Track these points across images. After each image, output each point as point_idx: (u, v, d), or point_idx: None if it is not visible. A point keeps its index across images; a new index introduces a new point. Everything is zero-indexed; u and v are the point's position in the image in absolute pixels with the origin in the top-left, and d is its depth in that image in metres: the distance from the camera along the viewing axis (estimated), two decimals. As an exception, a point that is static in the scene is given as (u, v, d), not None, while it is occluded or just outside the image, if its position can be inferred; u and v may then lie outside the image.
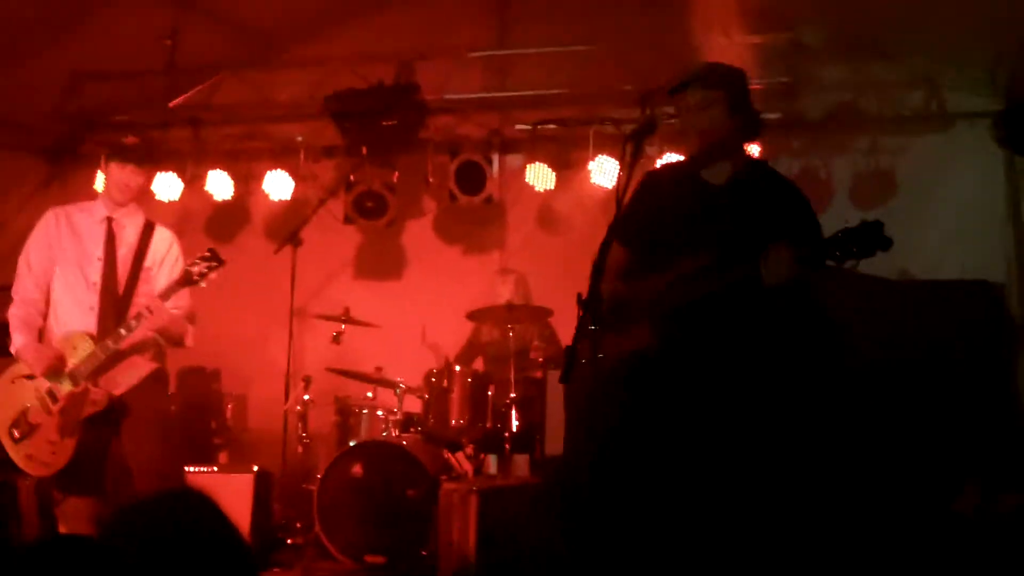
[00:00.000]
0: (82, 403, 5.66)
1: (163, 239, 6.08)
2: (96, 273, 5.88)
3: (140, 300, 5.82)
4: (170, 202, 9.27)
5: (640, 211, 4.78)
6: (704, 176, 4.70)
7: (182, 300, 5.92)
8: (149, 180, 6.33)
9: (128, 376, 5.85)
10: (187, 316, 6.03)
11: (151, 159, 6.22)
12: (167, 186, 9.16)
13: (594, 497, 4.67)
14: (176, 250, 6.12)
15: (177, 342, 6.04)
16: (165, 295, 5.70)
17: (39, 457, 5.69)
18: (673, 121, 4.76)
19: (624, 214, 4.80)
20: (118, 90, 8.87)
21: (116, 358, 5.76)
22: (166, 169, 9.11)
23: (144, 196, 6.34)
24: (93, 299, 5.85)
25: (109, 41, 8.12)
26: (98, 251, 5.93)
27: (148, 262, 5.98)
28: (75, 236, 5.96)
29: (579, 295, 4.73)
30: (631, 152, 4.49)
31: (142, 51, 8.11)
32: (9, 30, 7.10)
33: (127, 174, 5.94)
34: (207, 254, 5.76)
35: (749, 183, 4.69)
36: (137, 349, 5.87)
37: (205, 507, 2.85)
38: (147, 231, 6.05)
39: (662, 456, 4.47)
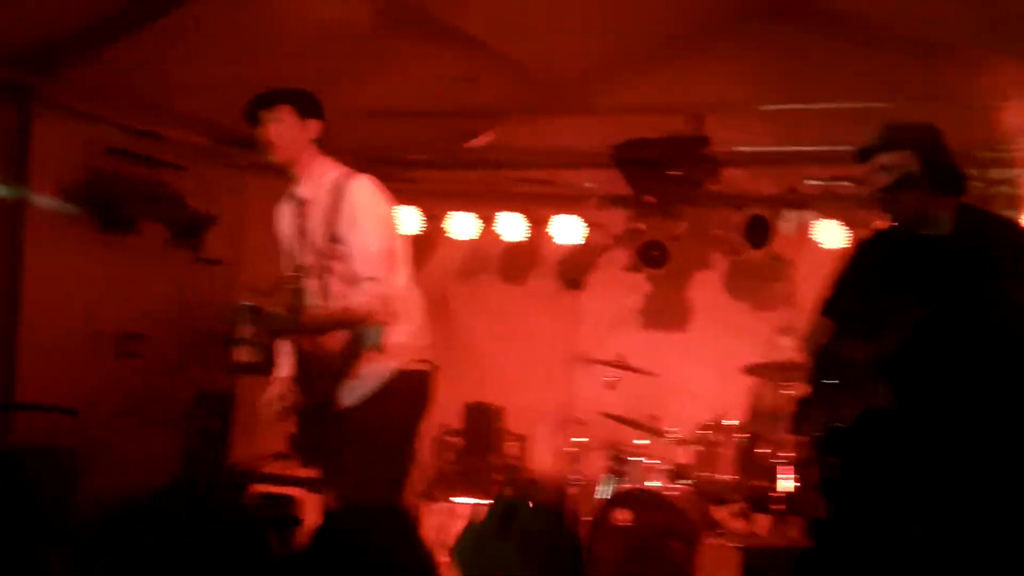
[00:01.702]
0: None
1: (346, 203, 5.07)
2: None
3: (331, 281, 5.09)
4: (464, 241, 9.61)
5: (856, 281, 4.69)
6: (924, 231, 4.54)
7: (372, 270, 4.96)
8: (304, 128, 5.18)
9: (361, 387, 5.14)
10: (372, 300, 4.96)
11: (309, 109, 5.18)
12: (462, 226, 9.48)
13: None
14: (364, 207, 5.06)
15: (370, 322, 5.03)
16: None
17: None
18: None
19: (838, 288, 4.74)
20: (414, 130, 9.24)
21: (338, 361, 5.11)
22: (461, 209, 9.44)
23: (309, 150, 5.21)
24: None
25: (408, 83, 8.44)
26: (295, 241, 5.28)
27: (337, 235, 5.06)
28: (284, 229, 5.36)
29: (811, 348, 4.69)
30: (887, 205, 4.44)
31: (439, 93, 8.38)
32: (311, 70, 7.48)
33: (270, 124, 5.11)
34: None
35: (975, 226, 4.51)
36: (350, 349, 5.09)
37: (401, 526, 2.95)
38: (336, 200, 5.09)
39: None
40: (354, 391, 5.12)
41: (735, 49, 8.60)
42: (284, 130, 5.12)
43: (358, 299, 5.00)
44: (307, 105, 5.20)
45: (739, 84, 8.53)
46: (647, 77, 8.93)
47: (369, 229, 5.05)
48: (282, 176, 5.32)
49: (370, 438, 5.10)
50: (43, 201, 7.84)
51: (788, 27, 8.56)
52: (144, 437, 8.35)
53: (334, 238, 5.06)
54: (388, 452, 5.19)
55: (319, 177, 5.17)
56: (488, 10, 7.80)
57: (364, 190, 5.11)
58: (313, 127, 5.19)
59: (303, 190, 5.21)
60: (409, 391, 5.23)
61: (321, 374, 5.14)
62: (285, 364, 5.37)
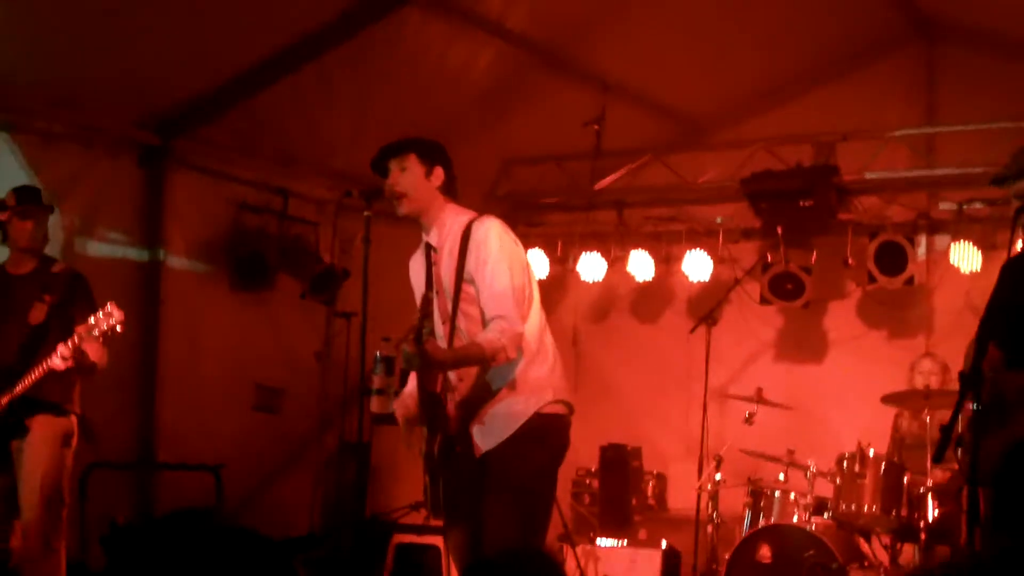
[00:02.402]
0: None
1: (474, 244, 5.00)
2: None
3: (461, 324, 5.05)
4: (595, 282, 9.62)
5: (1004, 305, 4.55)
6: None
7: None
8: (431, 177, 5.11)
9: (496, 430, 5.01)
10: None
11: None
12: (591, 267, 9.48)
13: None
14: (490, 246, 4.96)
15: None
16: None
17: None
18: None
19: (987, 312, 4.58)
20: (546, 173, 9.30)
21: (472, 401, 5.02)
22: (590, 250, 9.46)
23: (437, 198, 5.12)
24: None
25: (539, 127, 8.52)
26: (424, 290, 5.11)
27: (466, 277, 4.99)
28: (417, 279, 5.31)
29: (961, 373, 4.53)
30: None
31: (570, 136, 8.42)
32: (448, 118, 7.58)
33: (398, 174, 5.09)
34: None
35: None
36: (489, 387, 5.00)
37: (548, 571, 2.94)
38: (464, 242, 5.03)
39: None
40: (492, 435, 5.01)
41: (869, 75, 8.51)
42: (411, 179, 5.08)
43: (485, 336, 4.89)
44: (433, 153, 5.15)
45: (871, 111, 8.44)
46: (777, 110, 8.89)
47: (495, 267, 4.94)
48: (410, 226, 5.35)
49: (510, 483, 4.98)
50: (179, 259, 8.02)
51: (926, 47, 8.46)
52: (284, 488, 8.48)
53: (463, 279, 5.00)
54: (528, 497, 5.07)
55: (448, 224, 5.11)
56: (614, 51, 7.84)
57: (491, 230, 5.01)
58: (439, 175, 5.16)
59: (433, 238, 5.15)
60: (547, 435, 5.08)
61: (454, 418, 5.03)
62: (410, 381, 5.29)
